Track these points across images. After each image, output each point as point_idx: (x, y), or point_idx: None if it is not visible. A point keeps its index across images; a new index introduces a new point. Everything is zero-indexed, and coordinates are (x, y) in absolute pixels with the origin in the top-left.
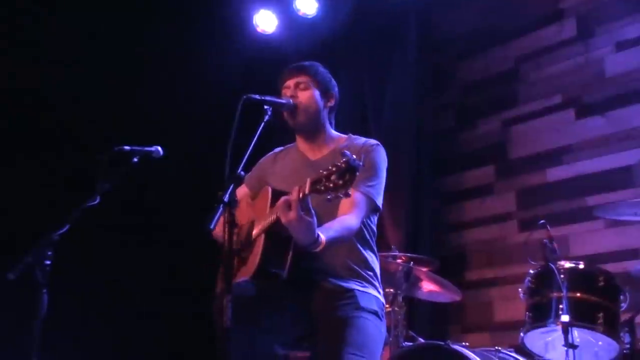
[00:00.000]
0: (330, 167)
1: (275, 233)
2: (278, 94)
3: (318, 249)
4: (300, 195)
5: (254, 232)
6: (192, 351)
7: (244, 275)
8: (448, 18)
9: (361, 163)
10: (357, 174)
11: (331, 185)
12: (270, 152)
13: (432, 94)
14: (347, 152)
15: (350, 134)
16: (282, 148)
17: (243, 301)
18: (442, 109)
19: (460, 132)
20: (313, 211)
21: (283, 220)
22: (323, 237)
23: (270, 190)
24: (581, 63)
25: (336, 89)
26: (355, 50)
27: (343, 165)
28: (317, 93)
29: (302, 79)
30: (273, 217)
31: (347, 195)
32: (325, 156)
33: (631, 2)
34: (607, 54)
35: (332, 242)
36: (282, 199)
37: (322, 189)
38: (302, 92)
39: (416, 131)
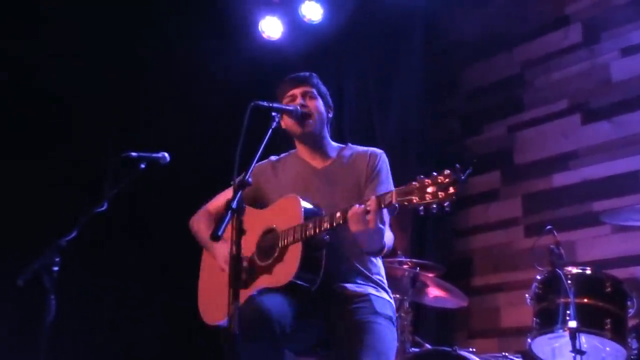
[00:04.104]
0: (424, 179)
1: (314, 244)
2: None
3: (381, 254)
4: (383, 205)
5: (285, 241)
6: (198, 357)
7: (266, 283)
8: (454, 23)
9: (464, 177)
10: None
11: (429, 197)
12: (265, 161)
13: (438, 99)
14: (457, 165)
15: (349, 143)
16: (277, 157)
17: (256, 308)
18: (447, 114)
19: (465, 137)
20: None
21: (354, 229)
22: (385, 245)
23: (299, 200)
24: (587, 68)
25: (330, 101)
26: (361, 56)
27: (446, 179)
28: (321, 103)
29: (307, 88)
30: (316, 228)
31: (445, 208)
32: (330, 164)
33: (637, 8)
34: (612, 60)
35: (386, 251)
36: (357, 208)
37: (415, 200)
38: (310, 101)
39: (422, 136)
